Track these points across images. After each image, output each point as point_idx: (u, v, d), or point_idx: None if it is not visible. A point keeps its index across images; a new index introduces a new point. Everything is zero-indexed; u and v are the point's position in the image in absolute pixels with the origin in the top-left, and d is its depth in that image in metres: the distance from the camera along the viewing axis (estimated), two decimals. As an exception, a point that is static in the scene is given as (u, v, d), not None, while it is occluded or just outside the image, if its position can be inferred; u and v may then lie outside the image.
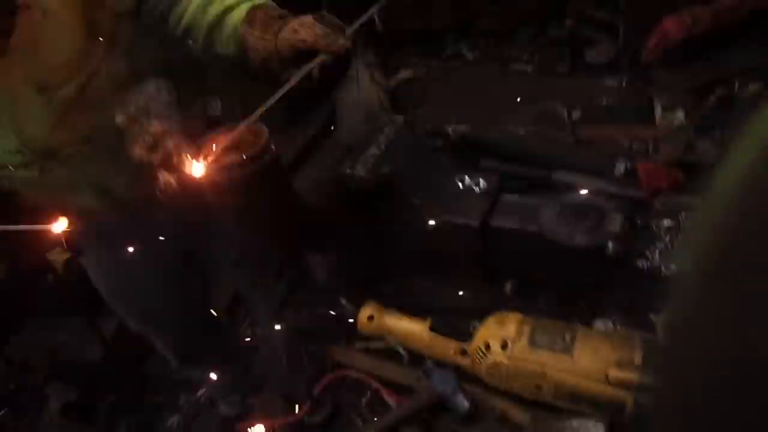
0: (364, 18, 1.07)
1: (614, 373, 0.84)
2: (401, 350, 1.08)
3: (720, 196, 0.29)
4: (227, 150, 0.88)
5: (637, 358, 0.84)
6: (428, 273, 1.20)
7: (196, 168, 0.87)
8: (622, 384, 0.83)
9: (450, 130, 1.49)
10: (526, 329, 0.92)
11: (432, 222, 1.08)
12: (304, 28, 1.01)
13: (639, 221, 1.18)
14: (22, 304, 1.88)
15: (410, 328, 1.03)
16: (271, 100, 0.97)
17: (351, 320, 1.11)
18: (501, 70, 3.59)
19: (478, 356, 0.95)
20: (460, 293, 1.17)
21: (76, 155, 1.19)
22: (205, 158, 0.87)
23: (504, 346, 0.92)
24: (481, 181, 1.10)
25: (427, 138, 1.55)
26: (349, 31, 1.04)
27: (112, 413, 2.29)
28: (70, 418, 2.18)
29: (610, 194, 1.24)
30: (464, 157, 1.45)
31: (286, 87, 0.99)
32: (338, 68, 1.03)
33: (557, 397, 0.89)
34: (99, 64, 1.17)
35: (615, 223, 1.00)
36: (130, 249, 1.41)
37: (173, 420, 2.34)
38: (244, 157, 0.86)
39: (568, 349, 0.88)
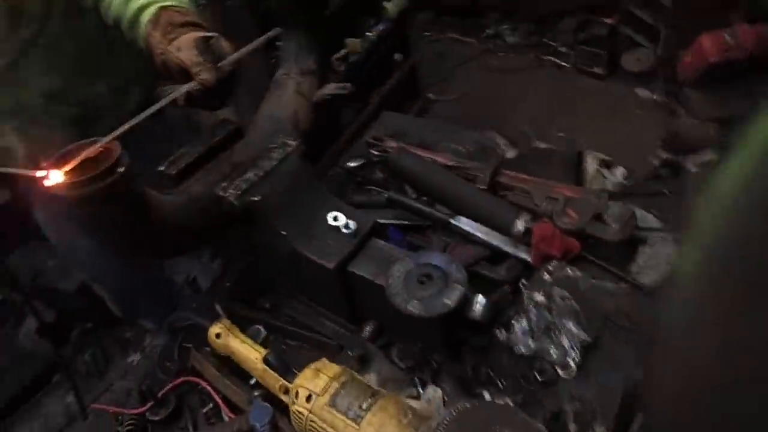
0: (244, 51, 1.07)
1: (386, 452, 0.85)
2: (254, 369, 1.12)
3: (723, 198, 0.29)
4: (81, 165, 0.92)
5: (414, 444, 0.85)
6: (301, 299, 1.23)
7: (49, 178, 0.90)
8: (391, 465, 0.85)
9: (374, 151, 1.48)
10: (334, 386, 0.93)
11: (296, 256, 1.10)
12: (184, 49, 1.03)
13: (515, 287, 1.15)
14: (24, 226, 1.98)
15: (247, 355, 1.07)
16: (134, 120, 1.00)
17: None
18: (536, 61, 3.44)
19: (291, 400, 0.98)
20: (327, 324, 1.19)
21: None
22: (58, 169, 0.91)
23: (309, 398, 0.94)
24: (351, 223, 1.09)
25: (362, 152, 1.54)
26: (225, 62, 1.04)
27: (82, 340, 2.49)
28: (44, 337, 2.39)
29: (500, 252, 1.21)
30: (392, 177, 1.44)
31: (152, 109, 1.01)
32: (207, 98, 1.04)
33: (342, 458, 0.92)
34: (27, 46, 1.23)
35: (453, 297, 0.98)
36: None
37: (133, 358, 2.52)
38: (84, 177, 0.88)
39: (358, 418, 0.89)
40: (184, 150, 1.19)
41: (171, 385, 1.14)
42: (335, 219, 1.11)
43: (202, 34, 1.03)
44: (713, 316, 0.29)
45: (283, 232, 1.10)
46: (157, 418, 1.11)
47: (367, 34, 2.63)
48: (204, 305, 1.28)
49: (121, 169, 0.91)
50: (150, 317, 2.03)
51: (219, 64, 1.01)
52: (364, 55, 2.59)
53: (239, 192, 1.08)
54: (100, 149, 0.94)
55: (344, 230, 1.09)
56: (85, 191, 0.89)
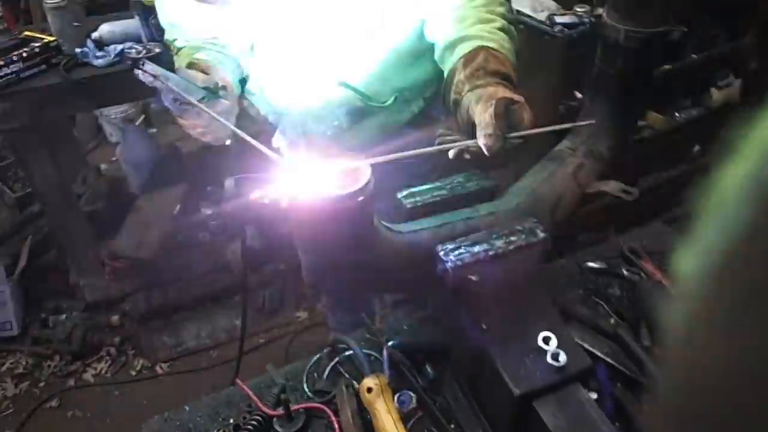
0: (542, 130, 0.93)
1: None
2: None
3: (725, 199, 0.29)
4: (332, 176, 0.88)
5: None
6: (466, 390, 1.08)
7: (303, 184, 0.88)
8: None
9: (625, 269, 1.24)
10: None
11: (485, 357, 0.95)
12: (482, 104, 0.93)
13: None
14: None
15: (387, 428, 0.96)
16: (403, 154, 0.94)
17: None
18: None
19: None
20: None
21: None
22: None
23: None
24: (562, 356, 0.91)
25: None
26: (516, 134, 0.91)
27: (271, 277, 2.67)
28: (244, 259, 2.61)
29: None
30: (631, 306, 1.21)
31: (425, 150, 0.94)
32: (480, 162, 0.93)
33: None
34: None
35: None
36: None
37: (300, 315, 2.64)
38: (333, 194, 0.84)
39: None
40: (428, 187, 1.11)
41: (306, 405, 1.09)
42: (546, 341, 0.93)
43: (508, 95, 0.92)
44: (717, 316, 0.29)
45: (484, 326, 0.95)
46: (280, 430, 1.07)
47: (676, 114, 2.30)
48: (373, 337, 1.21)
49: (361, 198, 0.85)
50: (330, 295, 2.07)
51: (509, 135, 0.90)
52: (660, 135, 2.28)
53: (459, 263, 0.95)
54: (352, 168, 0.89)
55: (550, 360, 0.91)
56: (317, 205, 0.85)
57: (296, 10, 1.17)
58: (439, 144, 0.94)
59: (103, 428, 2.33)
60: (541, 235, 1.01)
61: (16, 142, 2.15)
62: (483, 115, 0.89)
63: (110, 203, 2.62)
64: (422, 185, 1.11)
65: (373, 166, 0.89)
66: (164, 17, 1.38)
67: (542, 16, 1.94)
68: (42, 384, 2.48)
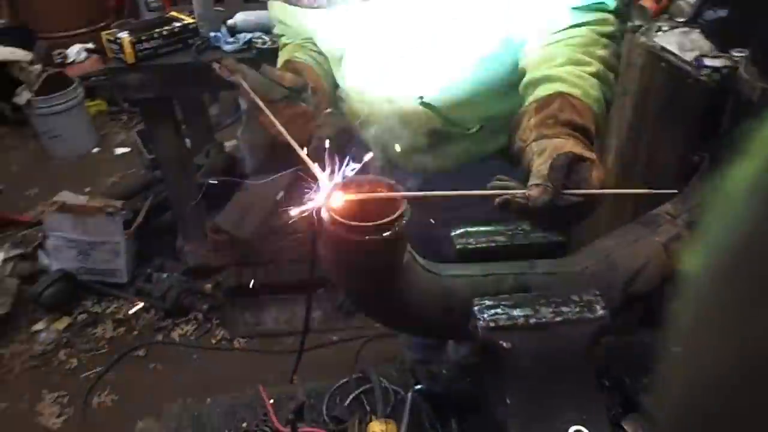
0: (609, 192, 0.79)
1: None
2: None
3: (732, 198, 0.28)
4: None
5: None
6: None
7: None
8: None
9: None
10: None
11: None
12: (544, 156, 0.81)
13: None
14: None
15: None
16: (446, 193, 0.86)
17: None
18: None
19: None
20: None
21: None
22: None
23: None
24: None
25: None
26: (575, 191, 0.79)
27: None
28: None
29: None
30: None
31: (470, 193, 0.85)
32: (526, 215, 0.82)
33: None
34: None
35: None
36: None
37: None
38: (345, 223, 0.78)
39: None
40: (486, 229, 1.01)
41: (313, 430, 1.04)
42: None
43: (577, 150, 0.80)
44: (722, 314, 0.29)
45: (508, 401, 0.84)
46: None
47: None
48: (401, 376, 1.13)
49: (387, 234, 0.78)
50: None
51: (565, 191, 0.77)
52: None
53: (492, 324, 0.84)
54: (390, 199, 0.82)
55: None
56: (340, 234, 0.79)
57: (389, 24, 1.12)
58: (491, 189, 0.84)
59: (177, 386, 2.47)
60: (600, 312, 0.86)
61: (148, 111, 2.34)
62: (539, 167, 0.78)
63: (223, 179, 2.77)
64: (481, 225, 1.01)
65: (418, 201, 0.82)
66: (272, 13, 1.40)
67: (689, 56, 1.70)
68: (135, 333, 2.69)
